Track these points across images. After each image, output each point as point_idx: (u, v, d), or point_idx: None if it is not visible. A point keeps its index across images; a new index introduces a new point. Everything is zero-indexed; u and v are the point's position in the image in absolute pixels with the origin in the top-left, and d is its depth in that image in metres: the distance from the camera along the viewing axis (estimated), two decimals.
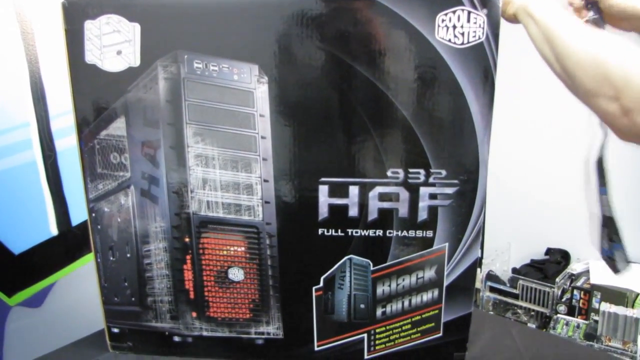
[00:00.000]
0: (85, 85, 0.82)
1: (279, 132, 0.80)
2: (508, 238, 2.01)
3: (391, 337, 0.89)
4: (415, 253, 0.84)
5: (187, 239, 0.86)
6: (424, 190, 0.81)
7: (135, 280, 0.89)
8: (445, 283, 0.86)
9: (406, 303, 0.87)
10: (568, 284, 1.91)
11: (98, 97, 0.82)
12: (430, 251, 0.84)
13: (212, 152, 0.82)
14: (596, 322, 1.76)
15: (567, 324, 1.81)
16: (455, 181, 0.81)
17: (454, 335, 0.89)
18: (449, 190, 0.81)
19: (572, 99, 0.64)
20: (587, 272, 1.93)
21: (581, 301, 1.85)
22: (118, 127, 0.84)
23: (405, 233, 0.83)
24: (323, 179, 0.81)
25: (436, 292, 0.86)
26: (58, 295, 1.23)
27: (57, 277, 1.24)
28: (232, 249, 0.86)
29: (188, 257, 0.87)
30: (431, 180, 0.81)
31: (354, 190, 0.81)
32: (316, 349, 0.89)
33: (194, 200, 0.84)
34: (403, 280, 0.85)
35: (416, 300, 0.87)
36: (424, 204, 0.82)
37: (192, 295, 0.88)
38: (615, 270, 0.80)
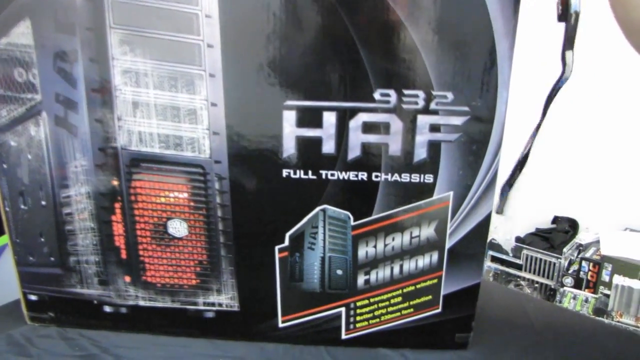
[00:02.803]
0: None
1: (230, 38, 0.56)
2: (512, 204, 1.77)
3: (376, 313, 0.65)
4: (410, 204, 0.60)
5: (115, 182, 0.62)
6: (423, 120, 0.57)
7: (53, 234, 0.66)
8: (448, 245, 0.62)
9: (396, 269, 0.63)
10: (576, 254, 1.67)
11: None
12: (429, 202, 0.60)
13: (144, 67, 0.57)
14: (606, 296, 1.53)
15: (574, 297, 1.57)
16: (466, 108, 0.56)
17: (456, 312, 0.65)
18: (457, 121, 0.57)
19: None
20: (596, 242, 1.69)
21: (589, 273, 1.62)
22: (22, 34, 0.59)
23: (396, 177, 0.59)
24: (288, 103, 0.57)
25: (435, 256, 0.63)
26: None
27: None
28: (171, 195, 0.62)
29: (117, 205, 0.63)
30: (433, 106, 0.56)
31: (329, 118, 0.57)
32: (280, 325, 0.66)
33: (122, 130, 0.60)
34: (393, 239, 0.62)
35: (409, 265, 0.63)
36: (422, 138, 0.57)
37: (124, 255, 0.65)
38: None
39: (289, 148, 0.58)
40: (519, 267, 1.69)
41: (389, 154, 0.58)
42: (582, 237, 1.73)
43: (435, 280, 0.63)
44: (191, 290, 0.66)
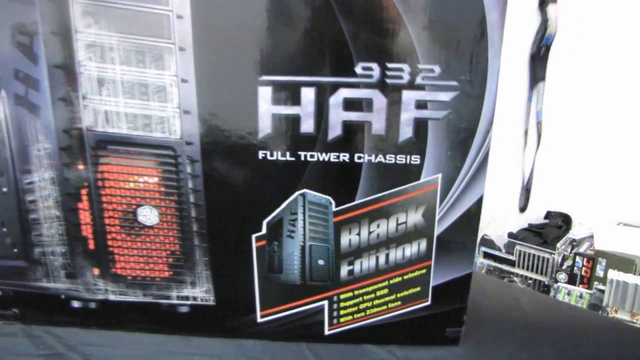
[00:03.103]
0: None
1: (201, 8, 0.51)
2: (504, 200, 1.73)
3: (361, 307, 0.61)
4: (395, 188, 0.55)
5: (81, 167, 0.57)
6: (408, 96, 0.52)
7: (16, 224, 0.61)
8: (437, 232, 0.57)
9: (382, 259, 0.59)
10: (569, 250, 1.63)
11: None
12: (416, 186, 0.55)
13: (109, 40, 0.53)
14: (601, 291, 1.48)
15: (568, 293, 1.53)
16: (454, 83, 0.52)
17: (446, 305, 0.60)
18: (444, 97, 0.52)
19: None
20: (590, 237, 1.64)
21: (584, 269, 1.57)
22: None
23: (380, 158, 0.54)
24: (264, 78, 0.52)
25: (424, 245, 0.58)
26: None
27: None
28: (141, 180, 0.57)
29: (83, 192, 0.58)
30: (419, 80, 0.52)
31: (307, 95, 0.52)
32: (259, 320, 0.61)
33: (87, 110, 0.55)
34: (378, 226, 0.57)
35: (395, 255, 0.58)
36: (408, 115, 0.53)
37: (91, 245, 0.60)
38: None
39: (265, 127, 0.53)
40: (511, 263, 1.64)
41: (372, 133, 0.53)
42: (575, 233, 1.69)
43: (423, 271, 0.58)
44: (164, 283, 0.61)
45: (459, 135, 0.53)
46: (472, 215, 0.56)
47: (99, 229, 0.59)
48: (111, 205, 0.58)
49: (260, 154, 0.54)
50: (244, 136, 0.54)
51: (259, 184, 0.55)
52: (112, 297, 0.62)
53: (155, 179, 0.57)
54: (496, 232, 1.75)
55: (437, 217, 0.56)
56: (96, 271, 0.61)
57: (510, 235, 1.75)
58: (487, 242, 1.72)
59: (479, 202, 0.55)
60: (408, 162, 0.54)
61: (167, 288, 0.61)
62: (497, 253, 1.68)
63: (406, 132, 0.53)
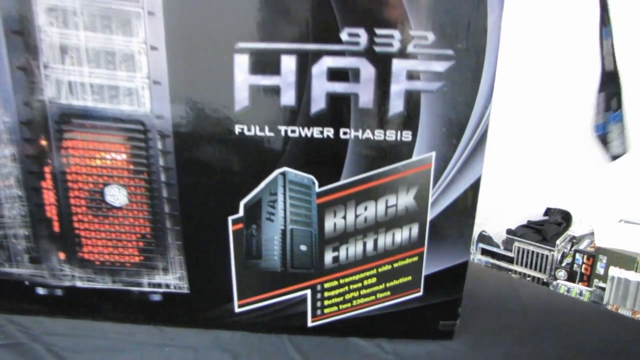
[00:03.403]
0: None
1: None
2: (503, 196, 1.67)
3: (347, 297, 0.56)
4: (385, 167, 0.50)
5: (43, 142, 0.52)
6: (399, 65, 0.47)
7: None
8: (430, 216, 0.52)
9: (369, 245, 0.53)
10: (569, 247, 1.57)
11: None
12: (407, 165, 0.50)
13: (72, 3, 0.47)
14: (601, 289, 1.43)
15: (568, 291, 1.47)
16: (449, 51, 0.46)
17: (440, 296, 0.55)
18: (439, 67, 0.47)
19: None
20: (590, 234, 1.59)
21: (584, 266, 1.52)
22: None
23: (368, 134, 0.49)
24: (241, 45, 0.47)
25: (415, 229, 0.53)
26: None
27: None
28: (108, 157, 0.52)
29: (47, 169, 0.53)
30: (411, 49, 0.46)
31: (288, 63, 0.47)
32: (236, 310, 0.56)
33: (49, 80, 0.50)
34: (365, 209, 0.52)
35: (385, 240, 0.53)
36: (398, 87, 0.48)
37: (56, 228, 0.55)
38: (610, 154, 0.47)
39: (242, 99, 0.48)
40: (510, 260, 1.58)
41: (359, 106, 0.48)
42: (575, 229, 1.63)
43: (415, 258, 0.53)
44: (134, 269, 0.56)
45: (455, 109, 0.48)
46: (469, 198, 0.51)
47: (64, 210, 0.54)
48: (77, 185, 0.53)
49: (237, 129, 0.49)
50: (219, 109, 0.49)
51: (235, 162, 0.50)
52: (79, 284, 0.57)
53: (124, 156, 0.51)
54: (494, 228, 1.69)
55: (430, 200, 0.51)
56: (62, 255, 0.56)
57: (509, 231, 1.69)
58: (485, 238, 1.67)
59: (476, 184, 0.50)
60: (399, 138, 0.49)
61: (138, 274, 0.56)
62: (495, 250, 1.63)
63: (396, 105, 0.48)
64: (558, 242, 1.58)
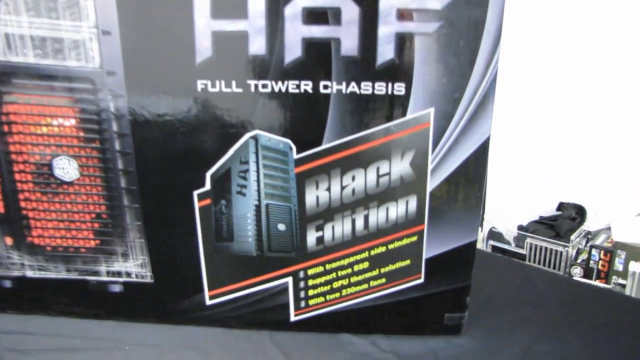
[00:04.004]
0: None
1: None
2: (513, 190, 1.57)
3: (335, 285, 0.47)
4: (374, 127, 0.42)
5: None
6: (387, 3, 0.38)
7: None
8: (430, 186, 0.43)
9: (359, 222, 0.45)
10: (584, 243, 1.46)
11: None
12: (401, 124, 0.42)
13: None
14: (620, 286, 1.31)
15: None
16: None
17: (445, 283, 0.46)
18: (436, 4, 0.38)
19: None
20: (607, 229, 1.47)
21: (600, 262, 1.41)
22: None
23: (354, 87, 0.41)
24: None
25: (413, 203, 0.44)
26: None
27: None
28: (55, 122, 0.45)
29: None
30: None
31: (256, 4, 0.39)
32: (208, 302, 0.48)
33: None
34: (353, 179, 0.43)
35: (377, 217, 0.45)
36: (388, 29, 0.39)
37: (0, 208, 0.48)
38: None
39: (204, 49, 0.40)
40: (522, 257, 1.47)
41: (341, 54, 0.39)
42: (590, 224, 1.52)
43: (414, 238, 0.45)
44: (90, 255, 0.48)
45: (457, 56, 0.39)
46: (476, 164, 0.42)
47: (9, 187, 0.46)
48: (21, 157, 0.45)
49: (200, 85, 0.41)
50: (177, 62, 0.41)
51: (199, 124, 0.42)
52: (29, 274, 0.49)
53: (72, 121, 0.44)
54: (505, 224, 1.59)
55: (429, 167, 0.42)
56: (9, 240, 0.48)
57: (520, 227, 1.59)
58: (496, 235, 1.56)
59: (484, 147, 0.41)
60: (390, 92, 0.40)
61: (95, 261, 0.48)
62: (506, 247, 1.52)
63: (386, 52, 0.39)
64: (572, 237, 1.47)
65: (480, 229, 1.57)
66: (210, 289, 0.47)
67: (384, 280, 0.46)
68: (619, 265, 1.41)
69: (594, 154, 1.51)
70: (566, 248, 1.46)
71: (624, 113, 1.45)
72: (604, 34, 1.41)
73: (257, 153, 0.42)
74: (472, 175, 0.42)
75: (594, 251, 1.43)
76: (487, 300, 0.51)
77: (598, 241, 1.44)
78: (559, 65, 1.48)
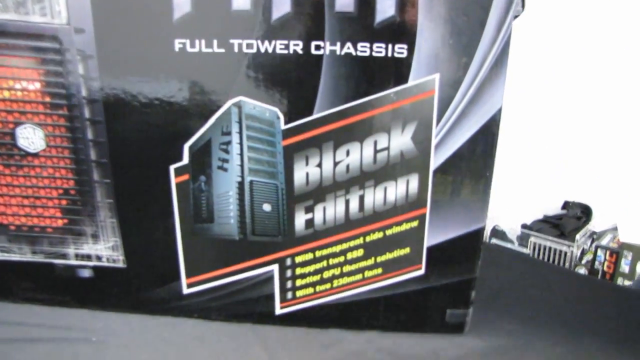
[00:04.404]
0: None
1: None
2: (517, 188, 1.52)
3: (325, 275, 0.42)
4: (372, 94, 0.37)
5: None
6: None
7: None
8: (434, 164, 0.38)
9: (353, 204, 0.40)
10: (589, 243, 1.41)
11: None
12: (402, 91, 0.37)
13: None
14: None
15: None
16: None
17: (448, 275, 0.41)
18: None
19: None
20: (613, 229, 1.42)
21: (606, 263, 1.35)
22: None
23: (349, 49, 0.36)
24: None
25: (414, 183, 0.39)
26: None
27: None
28: (18, 87, 0.40)
29: None
30: None
31: None
32: (185, 291, 0.43)
33: None
34: (347, 154, 0.38)
35: (374, 198, 0.40)
36: None
37: None
38: None
39: (182, 3, 0.35)
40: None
41: (335, 9, 0.35)
42: (596, 224, 1.47)
43: (414, 223, 0.39)
44: (57, 236, 0.43)
45: (466, 14, 0.34)
46: (486, 140, 0.37)
47: None
48: None
49: (177, 44, 0.36)
50: (153, 18, 0.36)
51: (176, 90, 0.37)
52: None
53: (37, 85, 0.39)
54: (508, 224, 1.53)
55: (433, 141, 0.37)
56: None
57: (524, 226, 1.53)
58: (499, 233, 1.51)
59: (495, 120, 0.36)
60: (390, 54, 0.35)
61: (62, 243, 0.43)
62: (509, 246, 1.47)
63: (386, 8, 0.34)
64: (577, 237, 1.42)
65: None
66: (187, 276, 0.42)
67: (380, 270, 0.41)
68: (625, 267, 1.35)
69: (601, 151, 1.46)
70: (571, 248, 1.40)
71: (633, 111, 1.40)
72: (611, 33, 1.36)
73: (240, 122, 0.37)
74: (480, 152, 0.37)
75: (599, 251, 1.37)
76: (494, 297, 0.46)
77: (604, 241, 1.39)
78: (565, 62, 1.42)
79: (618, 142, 1.45)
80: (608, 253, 1.37)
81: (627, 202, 1.46)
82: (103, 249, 0.42)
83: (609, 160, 1.46)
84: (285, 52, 0.35)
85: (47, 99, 0.39)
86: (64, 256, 0.43)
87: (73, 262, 0.43)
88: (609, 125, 1.43)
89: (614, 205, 1.47)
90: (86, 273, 0.43)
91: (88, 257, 0.43)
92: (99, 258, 0.43)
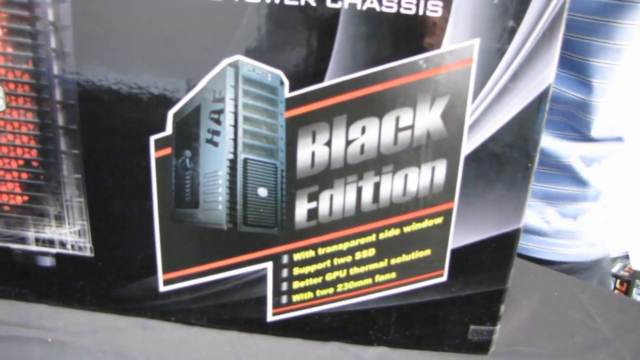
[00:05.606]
0: None
1: None
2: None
3: (328, 277, 0.35)
4: (397, 60, 0.30)
5: None
6: None
7: None
8: (466, 148, 0.31)
9: (367, 193, 0.33)
10: None
11: None
12: (433, 58, 0.30)
13: None
14: None
15: None
16: None
17: (473, 284, 0.34)
18: None
19: None
20: (624, 257, 1.36)
21: (617, 292, 1.29)
22: None
23: (372, 2, 0.29)
24: None
25: (442, 170, 0.32)
26: None
27: None
28: None
29: None
30: None
31: None
32: (161, 288, 0.36)
33: None
34: (363, 131, 0.31)
35: (393, 187, 0.33)
36: None
37: None
38: None
39: None
40: None
41: None
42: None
43: (438, 220, 0.32)
44: (15, 216, 0.36)
45: None
46: (531, 122, 0.30)
47: None
48: None
49: None
50: None
51: (162, 43, 0.30)
52: None
53: None
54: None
55: (467, 121, 0.30)
56: None
57: None
58: None
59: (543, 98, 0.30)
60: (422, 12, 0.28)
61: (21, 224, 0.36)
62: None
63: None
64: None
65: None
66: (165, 272, 0.35)
67: (394, 274, 0.34)
68: (636, 296, 1.28)
69: (611, 174, 1.40)
70: None
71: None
72: None
73: (236, 87, 0.30)
74: (524, 137, 0.30)
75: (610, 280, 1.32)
76: (521, 315, 0.38)
77: (615, 269, 1.32)
78: None
79: (628, 163, 1.39)
80: (619, 282, 1.30)
81: (638, 230, 1.40)
82: (68, 233, 0.35)
83: (619, 187, 1.41)
84: (295, 3, 0.29)
85: (9, 50, 0.32)
86: (22, 240, 0.36)
87: (33, 247, 0.36)
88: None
89: (625, 233, 1.40)
90: (47, 262, 0.36)
91: (50, 243, 0.36)
92: (62, 244, 0.36)
